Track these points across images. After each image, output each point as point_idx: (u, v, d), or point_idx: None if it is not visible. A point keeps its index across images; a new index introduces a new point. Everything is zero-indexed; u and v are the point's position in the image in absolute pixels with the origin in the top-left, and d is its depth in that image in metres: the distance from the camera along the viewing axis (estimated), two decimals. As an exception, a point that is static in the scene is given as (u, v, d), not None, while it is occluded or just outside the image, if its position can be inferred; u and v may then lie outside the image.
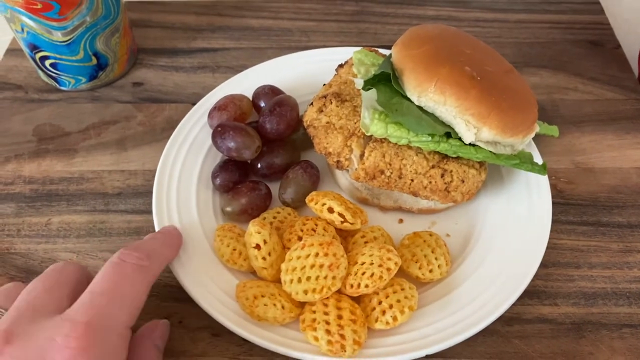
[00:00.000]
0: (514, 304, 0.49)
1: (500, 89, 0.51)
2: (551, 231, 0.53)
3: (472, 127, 0.50)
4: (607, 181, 0.61)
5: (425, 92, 0.50)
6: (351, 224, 0.51)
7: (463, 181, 0.52)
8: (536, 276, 0.51)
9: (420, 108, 0.51)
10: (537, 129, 0.54)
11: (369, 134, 0.52)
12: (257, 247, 0.48)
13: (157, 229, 0.53)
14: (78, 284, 0.43)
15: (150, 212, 0.55)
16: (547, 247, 0.52)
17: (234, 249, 0.50)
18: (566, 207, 0.59)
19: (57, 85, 0.71)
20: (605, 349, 0.49)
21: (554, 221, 0.55)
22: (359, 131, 0.54)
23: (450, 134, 0.51)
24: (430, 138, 0.51)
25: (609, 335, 0.50)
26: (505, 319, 0.50)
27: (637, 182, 0.61)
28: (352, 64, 0.59)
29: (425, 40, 0.53)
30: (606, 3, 0.83)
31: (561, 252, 0.55)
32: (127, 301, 0.41)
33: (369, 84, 0.52)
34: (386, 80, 0.52)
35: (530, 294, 0.52)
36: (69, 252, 0.56)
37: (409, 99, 0.51)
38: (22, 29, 0.64)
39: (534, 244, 0.52)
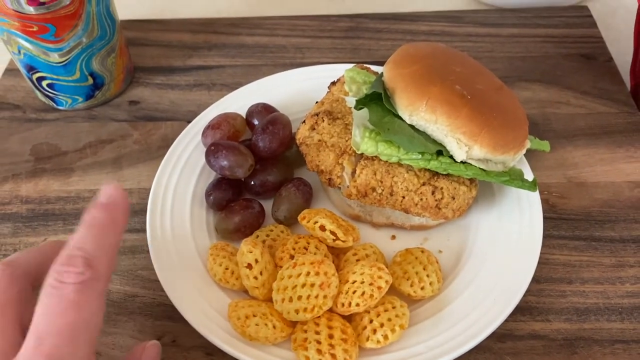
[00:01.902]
0: (506, 320, 0.49)
1: (491, 106, 0.52)
2: (543, 246, 0.53)
3: (463, 146, 0.50)
4: (599, 195, 0.61)
5: (417, 111, 0.50)
6: (343, 241, 0.51)
7: (454, 198, 0.53)
8: (528, 292, 0.51)
9: (411, 127, 0.52)
10: (528, 145, 0.54)
11: (359, 152, 0.52)
12: (249, 266, 0.48)
13: (150, 248, 0.53)
14: (21, 300, 0.37)
15: (145, 230, 0.55)
16: (540, 263, 0.52)
17: (227, 268, 0.51)
18: (558, 222, 0.59)
19: (54, 105, 0.72)
20: (597, 365, 0.49)
21: (546, 236, 0.56)
22: (350, 149, 0.54)
23: (442, 151, 0.51)
24: (420, 156, 0.51)
25: (601, 352, 0.50)
26: (498, 336, 0.50)
27: (629, 196, 0.61)
28: (344, 82, 0.60)
29: (416, 59, 0.54)
30: (599, 14, 0.84)
31: (553, 268, 0.55)
32: (79, 332, 0.34)
33: (361, 103, 0.52)
34: (378, 100, 0.53)
35: (522, 310, 0.52)
36: (65, 271, 0.56)
37: (400, 118, 0.52)
38: (19, 51, 0.65)
39: (526, 259, 0.52)
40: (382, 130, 0.51)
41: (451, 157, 0.52)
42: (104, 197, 0.39)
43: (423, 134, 0.51)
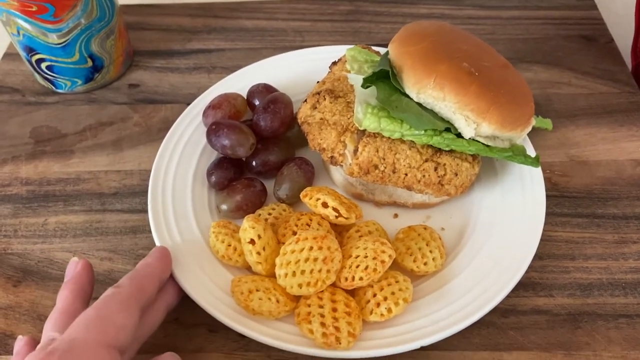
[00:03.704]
0: (509, 296, 0.49)
1: (498, 83, 0.51)
2: (546, 223, 0.53)
3: (471, 123, 0.50)
4: (601, 173, 0.61)
5: (424, 89, 0.50)
6: (346, 218, 0.51)
7: (456, 174, 0.53)
8: (531, 268, 0.51)
9: (419, 104, 0.51)
10: (533, 122, 0.54)
11: (362, 128, 0.52)
12: (252, 242, 0.48)
13: (152, 228, 0.53)
14: None
15: (146, 211, 0.55)
16: (542, 240, 0.52)
17: (229, 245, 0.51)
18: (561, 200, 0.59)
19: (54, 88, 0.71)
20: (601, 339, 0.49)
21: (548, 214, 0.56)
22: (352, 127, 0.54)
23: (450, 129, 0.51)
24: (423, 132, 0.51)
25: (605, 326, 0.50)
26: (501, 311, 0.50)
27: (631, 174, 0.61)
28: (346, 61, 0.60)
29: (422, 37, 0.53)
30: (599, -2, 0.83)
31: (556, 244, 0.55)
32: (92, 322, 0.40)
33: (368, 81, 0.52)
34: (385, 78, 0.52)
35: (525, 286, 0.52)
36: (66, 251, 0.56)
37: (408, 96, 0.52)
38: (18, 32, 0.64)
39: (528, 235, 0.52)
40: (390, 108, 0.51)
41: (458, 134, 0.51)
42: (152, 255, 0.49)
43: (431, 111, 0.51)
